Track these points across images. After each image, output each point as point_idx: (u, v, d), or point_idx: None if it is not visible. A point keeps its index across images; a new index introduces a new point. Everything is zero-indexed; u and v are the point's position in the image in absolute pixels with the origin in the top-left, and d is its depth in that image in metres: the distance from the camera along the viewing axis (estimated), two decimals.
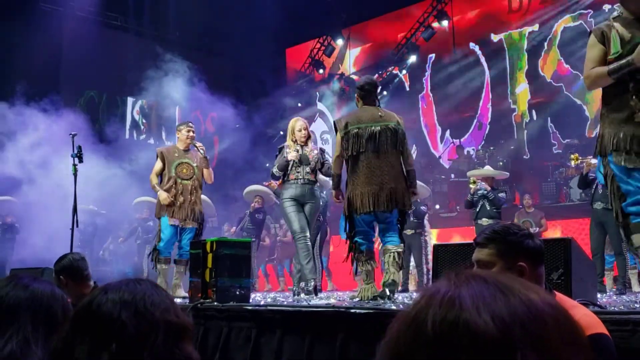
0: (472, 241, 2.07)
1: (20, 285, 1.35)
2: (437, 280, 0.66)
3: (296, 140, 5.65)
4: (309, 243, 5.47)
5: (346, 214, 4.70)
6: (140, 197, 10.55)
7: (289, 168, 5.56)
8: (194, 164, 6.07)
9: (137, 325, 0.93)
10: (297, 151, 5.59)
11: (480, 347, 0.57)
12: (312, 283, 5.31)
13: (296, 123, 5.74)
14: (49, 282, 1.44)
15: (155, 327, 0.94)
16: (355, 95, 4.92)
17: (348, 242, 4.75)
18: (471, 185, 7.69)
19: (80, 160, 5.74)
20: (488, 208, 7.48)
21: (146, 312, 0.95)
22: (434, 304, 0.61)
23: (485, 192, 7.51)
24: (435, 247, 3.68)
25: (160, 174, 6.06)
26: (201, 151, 6.07)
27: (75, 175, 5.74)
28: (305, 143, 5.69)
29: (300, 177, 5.56)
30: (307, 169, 5.57)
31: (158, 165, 6.08)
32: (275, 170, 5.62)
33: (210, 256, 4.20)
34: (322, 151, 5.80)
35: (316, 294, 5.31)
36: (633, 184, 2.94)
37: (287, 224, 5.88)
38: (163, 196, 5.87)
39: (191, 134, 6.13)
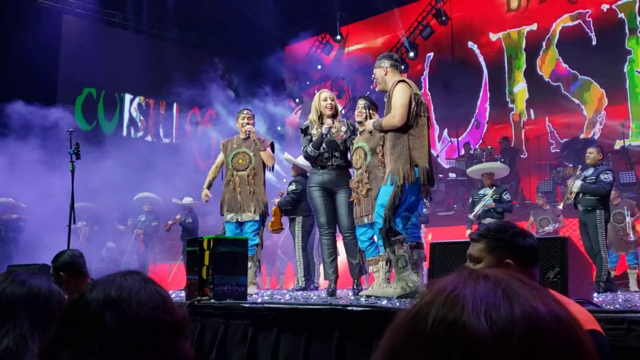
0: (467, 240, 2.08)
1: (17, 281, 1.34)
2: (449, 275, 0.65)
3: (321, 116, 5.06)
4: (334, 239, 5.07)
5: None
6: (140, 194, 10.55)
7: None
8: (251, 152, 5.63)
9: (122, 326, 0.88)
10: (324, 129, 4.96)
11: (473, 353, 0.56)
12: (334, 284, 4.97)
13: (321, 93, 5.18)
14: (46, 278, 1.43)
15: (143, 326, 0.89)
16: (371, 110, 5.04)
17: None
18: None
19: (78, 157, 5.71)
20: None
21: (131, 311, 0.90)
22: (437, 301, 0.60)
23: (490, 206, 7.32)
24: (432, 245, 3.68)
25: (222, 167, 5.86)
26: (252, 135, 5.67)
27: (72, 172, 5.72)
28: (333, 118, 5.05)
29: (328, 163, 5.03)
30: (337, 153, 5.03)
31: (219, 158, 5.85)
32: (309, 149, 4.98)
33: (207, 254, 4.19)
34: (352, 127, 5.10)
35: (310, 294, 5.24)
36: None
37: (315, 215, 5.28)
38: (202, 194, 5.84)
39: (245, 120, 5.71)
